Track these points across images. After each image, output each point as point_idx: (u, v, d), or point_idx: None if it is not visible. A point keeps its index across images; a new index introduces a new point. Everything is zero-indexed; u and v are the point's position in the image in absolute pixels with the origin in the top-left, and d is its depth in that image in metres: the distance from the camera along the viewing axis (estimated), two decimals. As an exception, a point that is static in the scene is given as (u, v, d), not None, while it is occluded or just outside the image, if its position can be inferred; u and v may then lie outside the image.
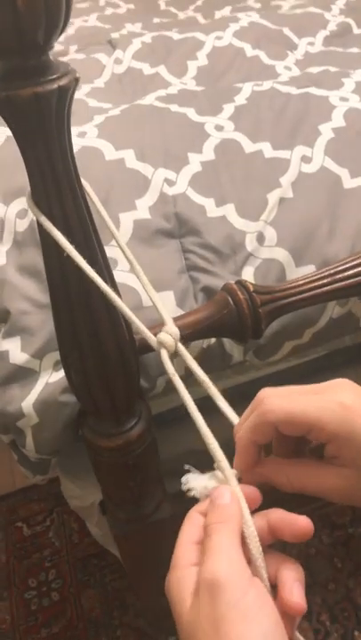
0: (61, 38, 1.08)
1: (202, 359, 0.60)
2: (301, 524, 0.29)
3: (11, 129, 0.34)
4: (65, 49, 1.00)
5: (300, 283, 0.55)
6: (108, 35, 1.02)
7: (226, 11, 1.19)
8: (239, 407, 0.77)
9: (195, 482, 0.32)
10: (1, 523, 1.14)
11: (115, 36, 1.00)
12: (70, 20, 1.15)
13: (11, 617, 1.00)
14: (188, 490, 0.32)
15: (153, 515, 0.65)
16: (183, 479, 0.33)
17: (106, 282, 0.44)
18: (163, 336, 0.38)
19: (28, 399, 0.56)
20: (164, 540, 0.67)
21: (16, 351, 0.57)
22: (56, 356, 0.56)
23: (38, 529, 1.12)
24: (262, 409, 0.31)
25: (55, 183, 0.36)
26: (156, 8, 1.31)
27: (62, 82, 0.32)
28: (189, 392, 0.37)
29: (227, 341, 0.60)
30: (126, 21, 1.14)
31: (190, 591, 0.27)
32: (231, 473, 0.32)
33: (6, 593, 1.03)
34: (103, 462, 0.56)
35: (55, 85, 0.32)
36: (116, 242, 0.46)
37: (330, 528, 1.10)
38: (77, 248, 0.39)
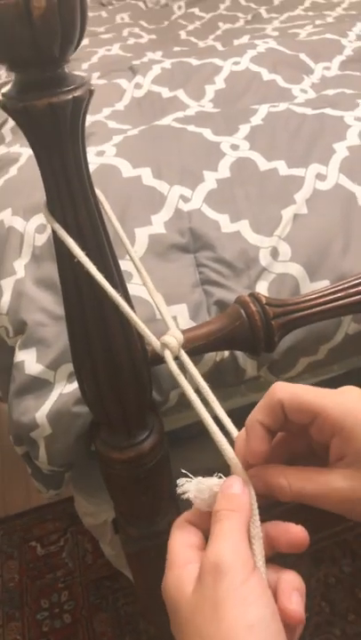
0: (85, 66, 1.12)
1: (215, 373, 0.60)
2: (295, 530, 0.29)
3: (28, 139, 0.35)
4: (87, 76, 1.04)
5: (314, 296, 0.55)
6: (130, 62, 1.06)
7: (244, 39, 1.22)
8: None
9: (190, 485, 0.32)
10: (15, 541, 1.13)
11: (136, 63, 1.03)
12: (94, 50, 1.20)
13: (22, 637, 0.98)
14: (183, 492, 0.32)
15: (166, 533, 0.64)
16: (179, 481, 0.32)
17: (117, 290, 0.44)
18: (167, 338, 0.39)
19: (42, 410, 0.57)
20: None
21: (31, 362, 0.58)
22: (71, 367, 0.57)
23: (52, 549, 1.11)
24: (272, 389, 0.32)
25: (69, 192, 0.37)
26: (176, 38, 1.36)
27: (77, 93, 0.33)
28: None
29: (240, 356, 0.60)
30: (147, 50, 1.18)
31: (190, 583, 0.27)
32: (239, 465, 0.32)
33: (18, 613, 1.02)
34: (115, 475, 0.56)
35: (70, 96, 0.33)
36: (126, 250, 0.47)
37: (351, 557, 1.06)
38: (90, 256, 0.40)
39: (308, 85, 0.92)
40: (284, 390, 0.31)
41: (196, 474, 0.72)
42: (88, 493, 0.73)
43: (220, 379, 0.60)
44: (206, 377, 0.60)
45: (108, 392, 0.50)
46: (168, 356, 0.38)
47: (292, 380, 0.69)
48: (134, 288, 0.57)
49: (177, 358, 0.39)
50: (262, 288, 0.60)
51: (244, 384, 0.67)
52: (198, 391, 0.37)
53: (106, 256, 0.42)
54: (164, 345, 0.38)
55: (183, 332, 0.53)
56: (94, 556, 1.08)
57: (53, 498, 1.05)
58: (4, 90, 0.34)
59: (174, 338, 0.39)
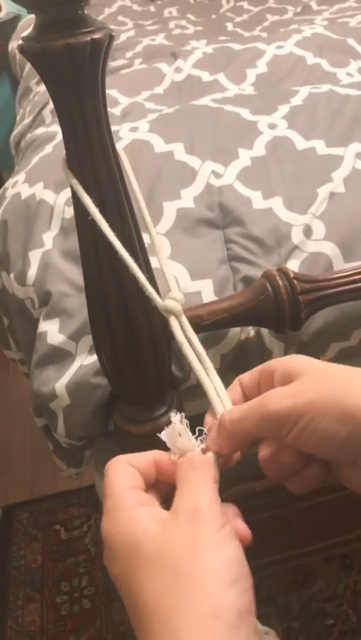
0: (128, 54, 1.12)
1: (239, 352, 0.57)
2: (241, 527, 0.29)
3: (46, 84, 0.34)
4: (129, 62, 1.04)
5: (347, 274, 0.52)
6: (173, 50, 1.05)
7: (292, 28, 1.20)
8: None
9: (175, 428, 0.32)
10: (40, 524, 1.14)
11: (178, 49, 1.02)
12: (138, 39, 1.20)
13: (40, 619, 0.98)
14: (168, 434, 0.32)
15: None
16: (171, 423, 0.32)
17: (137, 256, 0.43)
18: (169, 302, 0.37)
19: (62, 380, 0.56)
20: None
21: (54, 332, 0.58)
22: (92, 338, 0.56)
23: (75, 534, 1.11)
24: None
25: (87, 142, 0.36)
26: (223, 29, 1.35)
27: (96, 35, 0.32)
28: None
29: (266, 336, 0.57)
30: (192, 39, 1.17)
31: (154, 523, 0.27)
32: (221, 407, 0.33)
33: (38, 595, 1.02)
34: (131, 450, 0.54)
35: (88, 38, 0.32)
36: (142, 215, 0.45)
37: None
38: (107, 213, 0.39)
39: (355, 69, 0.89)
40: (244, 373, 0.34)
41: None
42: (108, 474, 0.72)
43: (245, 359, 0.58)
44: (230, 356, 0.58)
45: (126, 362, 0.49)
46: (173, 321, 0.37)
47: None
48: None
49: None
50: (293, 267, 0.57)
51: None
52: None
53: (124, 214, 0.41)
54: (168, 310, 0.37)
55: (205, 304, 0.52)
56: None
57: (77, 482, 1.05)
58: (24, 34, 0.33)
59: (175, 300, 0.37)
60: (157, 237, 0.45)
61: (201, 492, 0.28)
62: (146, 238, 0.54)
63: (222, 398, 0.34)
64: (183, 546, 0.26)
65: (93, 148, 0.37)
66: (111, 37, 0.34)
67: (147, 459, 0.31)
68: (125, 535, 0.27)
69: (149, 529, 0.27)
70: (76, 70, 0.33)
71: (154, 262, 0.48)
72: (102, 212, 0.39)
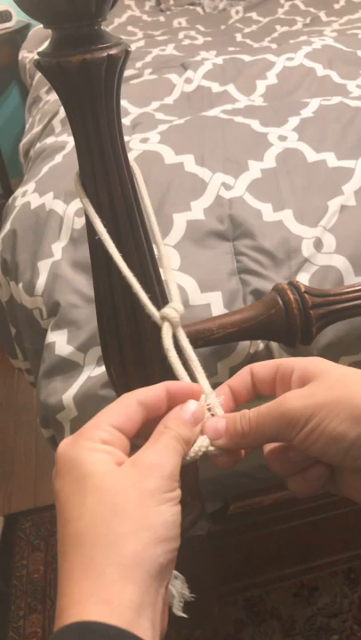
0: (138, 64, 1.13)
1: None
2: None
3: (61, 99, 0.34)
4: (139, 72, 1.05)
5: (358, 288, 0.51)
6: (182, 60, 1.06)
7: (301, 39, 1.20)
8: None
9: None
10: (43, 533, 1.13)
11: (188, 60, 1.03)
12: (148, 50, 1.21)
13: (42, 630, 0.97)
14: None
15: (189, 530, 0.61)
16: None
17: (148, 270, 0.43)
18: (167, 310, 0.37)
19: (69, 392, 0.56)
20: (199, 561, 0.64)
21: (62, 343, 0.57)
22: (100, 350, 0.56)
23: (78, 544, 1.10)
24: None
25: (102, 158, 0.36)
26: (232, 40, 1.36)
27: (112, 51, 0.32)
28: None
29: (276, 349, 0.57)
30: (201, 50, 1.18)
31: (109, 463, 0.28)
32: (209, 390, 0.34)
33: (40, 606, 1.01)
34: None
35: (105, 54, 0.32)
36: (150, 228, 0.45)
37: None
38: (118, 232, 0.39)
39: (365, 82, 0.89)
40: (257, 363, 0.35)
41: (223, 477, 0.69)
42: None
43: (254, 373, 0.58)
44: (239, 369, 0.57)
45: (135, 375, 0.48)
46: (166, 328, 0.37)
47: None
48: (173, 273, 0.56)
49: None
50: (303, 280, 0.57)
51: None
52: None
53: (136, 231, 0.41)
54: (164, 317, 0.37)
55: (215, 318, 0.51)
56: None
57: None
58: (40, 49, 0.33)
59: (174, 310, 0.37)
60: (164, 249, 0.45)
61: (169, 456, 0.29)
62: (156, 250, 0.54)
63: (212, 406, 0.35)
64: (133, 492, 0.27)
65: (107, 163, 0.37)
66: (127, 53, 0.34)
67: (157, 392, 0.32)
68: (79, 461, 0.28)
69: (104, 466, 0.28)
70: (91, 85, 0.33)
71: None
72: (114, 227, 0.39)
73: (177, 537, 0.28)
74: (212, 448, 0.33)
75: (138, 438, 0.31)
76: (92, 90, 0.33)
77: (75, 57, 0.32)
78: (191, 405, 0.32)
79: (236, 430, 0.32)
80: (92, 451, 0.28)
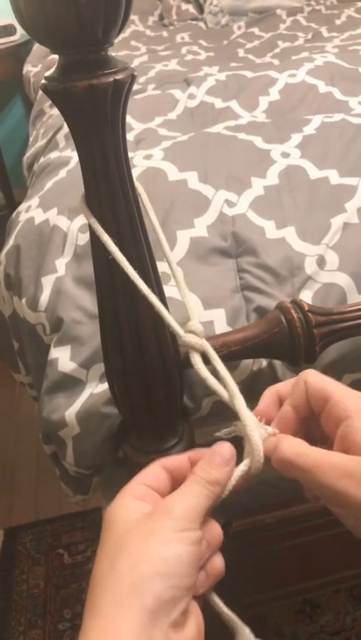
0: (142, 80, 1.14)
1: (251, 383, 0.57)
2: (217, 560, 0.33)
3: (67, 123, 0.35)
4: (143, 88, 1.06)
5: (357, 308, 0.51)
6: (186, 76, 1.07)
7: (303, 56, 1.21)
8: None
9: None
10: (43, 547, 1.13)
11: (191, 75, 1.04)
12: (151, 65, 1.22)
13: (42, 647, 0.97)
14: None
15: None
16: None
17: (152, 289, 0.43)
18: (188, 338, 0.37)
19: (72, 409, 0.56)
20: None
21: (65, 359, 0.57)
22: (103, 367, 0.56)
23: (79, 558, 1.09)
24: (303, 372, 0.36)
25: (107, 181, 0.36)
26: (234, 55, 1.37)
27: (119, 76, 0.33)
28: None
29: (279, 367, 0.57)
30: (204, 65, 1.19)
31: (135, 511, 0.30)
32: (254, 428, 0.34)
33: (40, 621, 1.00)
34: (141, 481, 0.54)
35: (111, 79, 0.32)
36: (162, 249, 0.45)
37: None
38: (125, 252, 0.39)
39: (367, 98, 0.90)
40: (313, 373, 0.35)
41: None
42: (115, 501, 0.71)
43: (257, 390, 0.57)
44: (242, 387, 0.57)
45: (138, 392, 0.48)
46: (196, 359, 0.38)
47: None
48: (172, 290, 0.56)
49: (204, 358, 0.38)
50: (306, 297, 0.57)
51: (282, 398, 0.64)
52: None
53: (142, 252, 0.41)
54: (189, 346, 0.37)
55: (218, 335, 0.51)
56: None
57: (82, 504, 1.04)
58: (47, 73, 0.34)
59: (194, 334, 0.38)
60: (175, 267, 0.45)
61: (186, 498, 0.30)
62: (160, 266, 0.54)
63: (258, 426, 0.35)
64: (139, 531, 0.28)
65: (113, 186, 0.37)
66: (133, 77, 0.34)
67: (180, 459, 0.34)
68: (112, 516, 0.30)
69: (130, 515, 0.29)
70: (97, 110, 0.33)
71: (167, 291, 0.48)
72: (119, 248, 0.39)
73: (183, 575, 0.28)
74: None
75: None
76: (97, 114, 0.33)
77: (81, 82, 0.32)
78: (219, 447, 0.33)
79: (295, 464, 0.32)
80: (122, 506, 0.30)
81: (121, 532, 0.29)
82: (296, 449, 0.32)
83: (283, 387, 0.37)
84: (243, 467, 0.34)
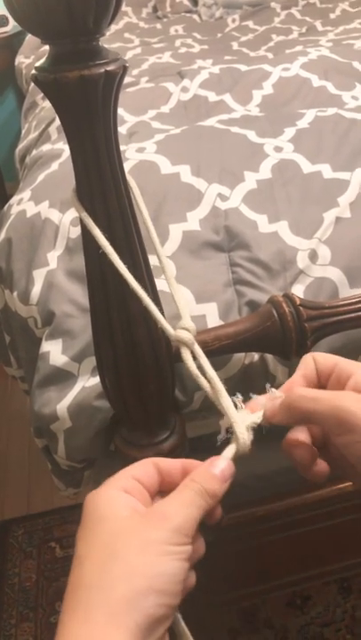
0: (135, 72, 1.13)
1: (243, 377, 0.57)
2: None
3: (58, 114, 0.34)
4: (136, 80, 1.05)
5: (353, 301, 0.52)
6: (179, 68, 1.06)
7: (297, 50, 1.21)
8: (271, 442, 0.72)
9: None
10: (35, 541, 1.13)
11: (185, 68, 1.03)
12: (145, 57, 1.21)
13: (33, 639, 0.97)
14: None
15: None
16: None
17: (143, 284, 0.43)
18: (180, 333, 0.37)
19: (64, 402, 0.56)
20: (193, 572, 0.64)
21: (57, 353, 0.57)
22: (95, 361, 0.55)
23: (71, 552, 1.09)
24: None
25: (98, 173, 0.36)
26: (228, 48, 1.36)
27: (110, 67, 0.32)
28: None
29: (270, 360, 0.57)
30: (198, 58, 1.18)
31: (125, 508, 0.28)
32: (232, 448, 0.34)
33: (32, 614, 1.01)
34: (132, 475, 0.54)
35: (102, 70, 0.32)
36: (152, 242, 0.45)
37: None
38: (116, 245, 0.39)
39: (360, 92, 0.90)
40: (319, 353, 0.37)
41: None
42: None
43: (249, 384, 0.58)
44: (234, 381, 0.57)
45: (129, 386, 0.48)
46: (185, 354, 0.37)
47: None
48: (164, 284, 0.56)
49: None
50: (298, 291, 0.57)
51: (274, 393, 0.64)
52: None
53: (133, 246, 0.41)
54: (180, 341, 0.37)
55: (210, 330, 0.51)
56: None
57: (74, 498, 1.04)
58: (38, 64, 0.33)
59: (187, 330, 0.38)
60: (166, 261, 0.45)
61: (185, 509, 0.29)
62: (152, 259, 0.54)
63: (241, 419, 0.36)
64: (136, 539, 0.27)
65: (104, 178, 0.37)
66: (125, 69, 0.34)
67: (174, 463, 0.33)
68: (98, 507, 0.29)
69: (120, 512, 0.28)
70: (89, 101, 0.33)
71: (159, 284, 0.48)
72: (111, 242, 0.39)
73: (174, 593, 0.27)
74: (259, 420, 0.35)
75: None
76: (89, 105, 0.33)
77: (72, 72, 0.32)
78: (221, 462, 0.32)
79: (283, 402, 0.34)
80: (111, 498, 0.29)
81: (113, 531, 0.28)
82: (309, 390, 0.34)
83: (319, 357, 0.37)
84: (228, 453, 0.34)
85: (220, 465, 0.32)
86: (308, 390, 0.34)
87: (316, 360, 0.36)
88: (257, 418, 0.36)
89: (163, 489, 0.32)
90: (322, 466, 0.36)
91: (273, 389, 0.37)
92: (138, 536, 0.27)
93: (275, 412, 0.35)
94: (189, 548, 0.28)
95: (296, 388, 0.35)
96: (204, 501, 0.30)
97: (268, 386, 0.37)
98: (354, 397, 0.32)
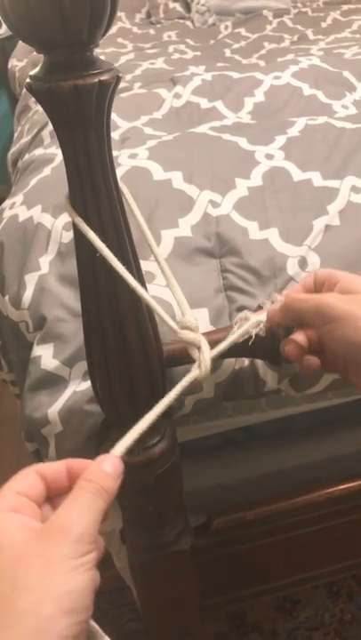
0: (128, 77, 1.14)
1: (233, 382, 0.58)
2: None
3: (52, 122, 0.35)
4: (129, 86, 1.06)
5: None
6: (172, 75, 1.07)
7: (288, 58, 1.22)
8: (261, 447, 0.72)
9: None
10: (25, 545, 1.12)
11: (177, 75, 1.04)
12: (138, 63, 1.22)
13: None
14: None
15: (172, 545, 0.61)
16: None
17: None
18: (186, 334, 0.39)
19: (55, 406, 0.56)
20: (182, 576, 0.64)
21: (48, 357, 0.57)
22: (86, 365, 0.56)
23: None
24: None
25: (91, 180, 0.37)
26: (220, 55, 1.37)
27: (104, 77, 0.33)
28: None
29: (261, 366, 0.58)
30: (191, 64, 1.19)
31: (19, 531, 0.27)
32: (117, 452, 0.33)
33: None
34: (122, 480, 0.54)
35: (96, 80, 0.33)
36: (150, 249, 0.46)
37: (368, 593, 1.00)
38: (110, 250, 0.39)
39: (350, 102, 0.91)
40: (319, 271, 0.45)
41: (207, 490, 0.70)
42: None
43: (239, 389, 0.58)
44: (224, 385, 0.58)
45: (121, 392, 0.49)
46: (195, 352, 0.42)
47: (315, 398, 0.66)
48: (155, 289, 0.56)
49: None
50: (288, 298, 0.58)
51: (264, 398, 0.65)
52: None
53: (125, 251, 0.41)
54: (190, 344, 0.41)
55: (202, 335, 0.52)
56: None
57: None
58: (32, 72, 0.34)
59: (190, 329, 0.41)
60: (164, 264, 0.46)
61: (85, 515, 0.27)
62: (143, 265, 0.54)
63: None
64: (36, 563, 0.25)
65: (97, 185, 0.37)
66: (118, 78, 0.34)
67: (57, 467, 0.31)
68: None
69: (15, 536, 0.27)
70: (82, 110, 0.33)
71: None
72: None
73: (86, 607, 0.26)
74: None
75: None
76: (82, 114, 0.34)
77: (66, 82, 0.32)
78: (112, 459, 0.32)
79: (280, 306, 0.41)
80: (1, 524, 0.27)
81: (11, 560, 0.26)
82: (301, 294, 0.42)
83: (319, 272, 0.44)
84: (194, 372, 0.39)
85: (112, 461, 0.31)
86: (300, 294, 0.42)
87: (315, 272, 0.43)
88: (261, 318, 0.43)
89: (50, 494, 0.31)
90: (311, 360, 0.42)
91: (276, 294, 0.44)
92: (39, 558, 0.26)
93: (275, 313, 0.42)
94: (95, 554, 0.27)
95: (292, 292, 0.42)
96: (102, 501, 0.29)
97: (272, 292, 0.43)
98: (336, 296, 0.39)
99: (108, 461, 0.31)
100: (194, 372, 0.40)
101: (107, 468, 0.31)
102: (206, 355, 0.41)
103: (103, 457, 0.32)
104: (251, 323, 0.43)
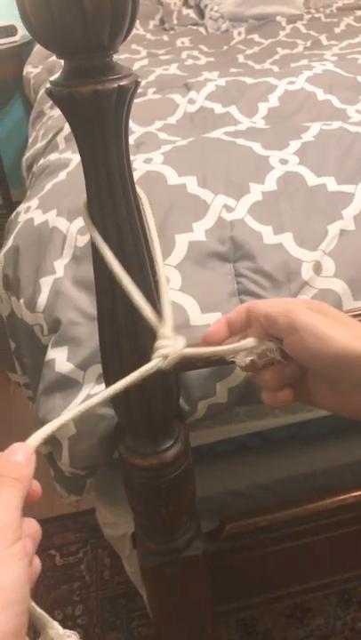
0: (142, 83, 1.14)
1: (247, 388, 0.57)
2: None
3: (71, 127, 0.35)
4: (143, 91, 1.06)
5: (356, 313, 0.52)
6: (186, 80, 1.07)
7: (302, 63, 1.22)
8: (274, 453, 0.71)
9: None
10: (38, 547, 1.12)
11: (191, 80, 1.04)
12: (152, 69, 1.23)
13: (32, 648, 0.96)
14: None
15: (184, 550, 0.61)
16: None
17: (152, 296, 0.44)
18: (160, 345, 0.40)
19: (69, 409, 0.56)
20: (193, 582, 0.64)
21: (62, 360, 0.58)
22: (100, 368, 0.56)
23: (71, 560, 1.09)
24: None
25: (109, 185, 0.37)
26: (234, 61, 1.38)
27: (123, 82, 0.33)
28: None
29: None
30: (204, 70, 1.20)
31: None
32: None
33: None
34: (135, 483, 0.54)
35: (115, 85, 0.33)
36: (152, 248, 0.46)
37: (381, 603, 0.99)
38: (125, 258, 0.40)
39: (365, 107, 0.91)
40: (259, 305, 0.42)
41: (219, 496, 0.69)
42: (110, 503, 0.72)
43: (252, 394, 0.58)
44: (238, 390, 0.58)
45: (135, 396, 0.49)
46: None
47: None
48: (170, 293, 0.56)
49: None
50: (302, 303, 0.58)
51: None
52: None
53: (143, 261, 0.41)
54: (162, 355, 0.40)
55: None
56: (112, 572, 1.06)
57: (75, 506, 1.04)
58: (52, 78, 0.34)
59: (167, 341, 0.40)
60: (163, 271, 0.46)
61: (3, 505, 0.28)
62: (170, 274, 0.54)
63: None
64: None
65: (115, 191, 0.37)
66: (137, 83, 0.35)
67: None
68: None
69: None
70: (101, 115, 0.34)
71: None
72: (121, 254, 0.39)
73: (24, 597, 0.26)
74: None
75: None
76: (101, 119, 0.34)
77: (86, 87, 0.32)
78: (20, 447, 0.32)
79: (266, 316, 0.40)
80: None
81: None
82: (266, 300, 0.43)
83: (254, 305, 0.42)
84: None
85: (21, 449, 0.32)
86: (264, 300, 0.42)
87: (239, 310, 0.43)
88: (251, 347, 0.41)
89: None
90: (285, 392, 0.42)
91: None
92: None
93: (239, 313, 0.41)
94: (22, 541, 0.28)
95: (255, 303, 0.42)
96: (16, 490, 0.29)
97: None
98: (301, 302, 0.39)
99: (20, 451, 0.32)
100: (155, 362, 0.39)
101: (17, 457, 0.31)
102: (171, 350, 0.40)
103: (13, 447, 0.32)
104: (238, 345, 0.41)
